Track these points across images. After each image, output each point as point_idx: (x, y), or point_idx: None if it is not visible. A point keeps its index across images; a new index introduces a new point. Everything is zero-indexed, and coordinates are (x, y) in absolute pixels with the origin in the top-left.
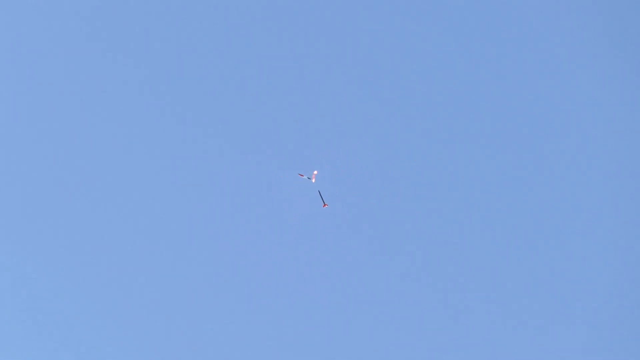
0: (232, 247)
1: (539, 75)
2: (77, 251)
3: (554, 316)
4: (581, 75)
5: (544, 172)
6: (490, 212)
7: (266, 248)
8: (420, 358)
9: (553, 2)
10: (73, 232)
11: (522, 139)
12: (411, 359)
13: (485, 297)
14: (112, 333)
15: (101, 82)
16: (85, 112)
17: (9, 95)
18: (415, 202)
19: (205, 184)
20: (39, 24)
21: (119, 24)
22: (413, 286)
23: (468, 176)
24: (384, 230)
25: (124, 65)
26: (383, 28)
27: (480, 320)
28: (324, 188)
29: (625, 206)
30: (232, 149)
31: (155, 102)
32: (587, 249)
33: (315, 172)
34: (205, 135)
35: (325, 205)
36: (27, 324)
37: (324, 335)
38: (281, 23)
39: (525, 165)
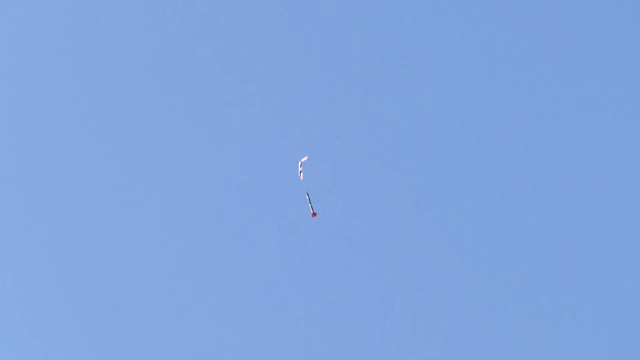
0: (231, 245)
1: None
2: (76, 251)
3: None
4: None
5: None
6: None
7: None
8: (421, 358)
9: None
10: (72, 232)
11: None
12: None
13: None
14: (111, 333)
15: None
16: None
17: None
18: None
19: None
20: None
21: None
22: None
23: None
24: (383, 230)
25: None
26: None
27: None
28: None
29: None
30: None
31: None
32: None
33: (303, 161)
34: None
35: (314, 214)
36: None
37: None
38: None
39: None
